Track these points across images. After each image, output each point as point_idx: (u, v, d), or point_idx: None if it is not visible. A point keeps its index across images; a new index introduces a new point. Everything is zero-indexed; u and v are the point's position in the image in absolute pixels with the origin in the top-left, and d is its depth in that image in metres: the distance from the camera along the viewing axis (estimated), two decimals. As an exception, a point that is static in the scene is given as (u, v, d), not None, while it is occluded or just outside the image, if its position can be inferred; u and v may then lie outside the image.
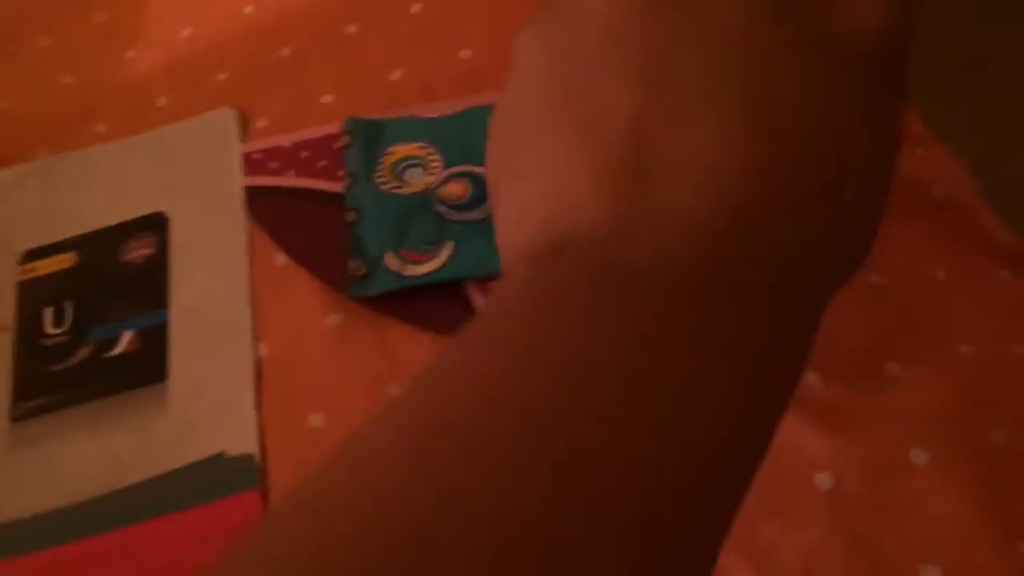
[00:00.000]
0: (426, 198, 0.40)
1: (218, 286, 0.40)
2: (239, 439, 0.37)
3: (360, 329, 0.39)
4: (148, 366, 0.40)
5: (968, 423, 0.34)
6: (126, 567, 0.34)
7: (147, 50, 0.51)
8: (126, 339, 0.41)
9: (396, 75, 0.47)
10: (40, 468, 0.38)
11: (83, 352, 0.41)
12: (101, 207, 0.45)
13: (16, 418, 0.40)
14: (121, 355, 0.41)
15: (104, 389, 0.40)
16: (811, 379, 0.36)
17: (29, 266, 0.44)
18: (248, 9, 0.50)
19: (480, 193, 0.40)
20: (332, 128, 0.44)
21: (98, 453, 0.38)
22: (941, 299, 0.37)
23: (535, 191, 0.20)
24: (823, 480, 0.33)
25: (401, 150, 0.42)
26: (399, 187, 0.41)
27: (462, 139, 0.42)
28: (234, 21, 0.51)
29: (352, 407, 0.38)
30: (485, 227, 0.38)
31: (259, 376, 0.38)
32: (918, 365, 0.35)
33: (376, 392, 0.38)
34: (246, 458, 0.36)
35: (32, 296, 0.43)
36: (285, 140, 0.43)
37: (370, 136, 0.43)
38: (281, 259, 0.42)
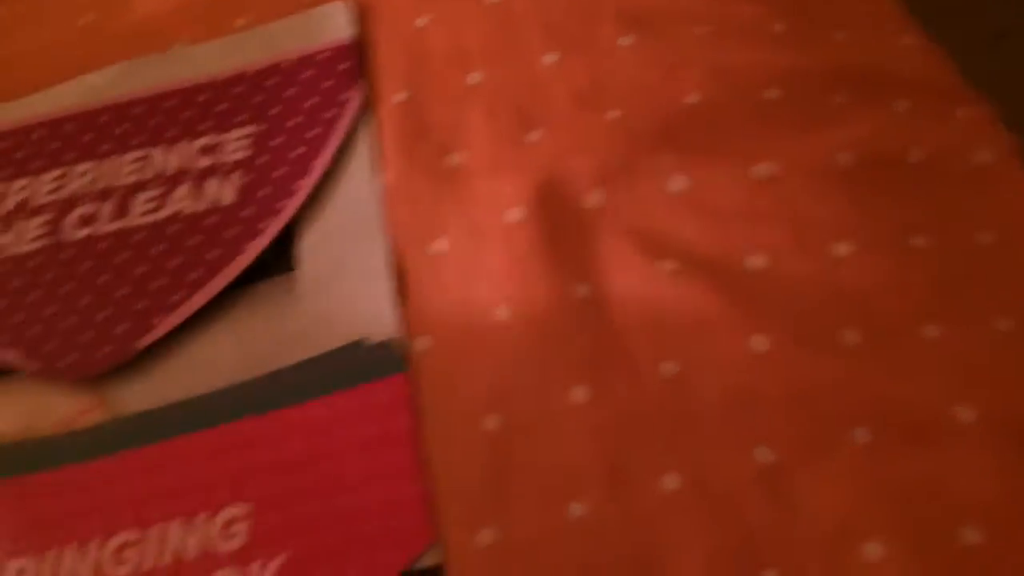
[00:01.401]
0: None
1: (343, 181, 0.41)
2: (378, 326, 0.37)
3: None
4: (275, 258, 0.40)
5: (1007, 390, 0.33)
6: (272, 451, 0.35)
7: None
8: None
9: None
10: (172, 360, 0.38)
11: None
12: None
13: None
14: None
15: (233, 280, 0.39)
16: (850, 336, 0.34)
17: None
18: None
19: None
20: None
21: (230, 344, 0.38)
22: (984, 265, 0.36)
23: None
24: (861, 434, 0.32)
25: None
26: None
27: None
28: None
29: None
30: None
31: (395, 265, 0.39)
32: (956, 331, 0.34)
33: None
34: (387, 344, 0.36)
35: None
36: None
37: None
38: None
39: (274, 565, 0.33)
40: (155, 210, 0.41)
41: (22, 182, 0.43)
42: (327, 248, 0.39)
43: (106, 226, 0.41)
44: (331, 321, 0.37)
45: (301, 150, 0.41)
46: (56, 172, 0.43)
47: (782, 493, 0.32)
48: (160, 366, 0.38)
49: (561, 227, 0.38)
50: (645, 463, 0.34)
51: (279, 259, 0.40)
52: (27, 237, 0.42)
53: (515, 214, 0.38)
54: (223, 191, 0.41)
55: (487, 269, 0.38)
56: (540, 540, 0.33)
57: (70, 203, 0.42)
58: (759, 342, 0.35)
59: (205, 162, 0.42)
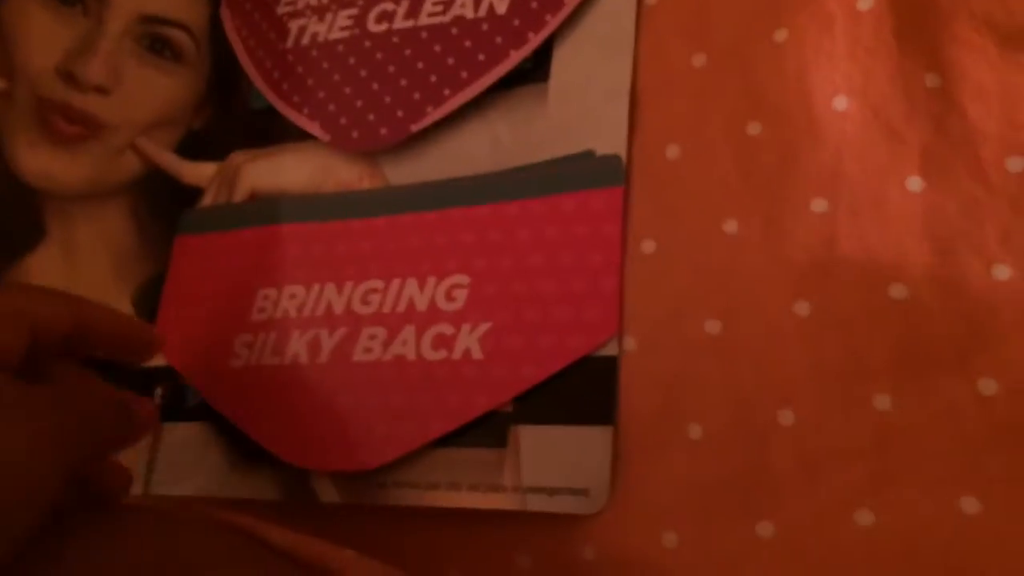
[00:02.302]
0: None
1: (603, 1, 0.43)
2: (608, 140, 0.40)
3: (726, 69, 0.40)
4: (534, 67, 0.43)
5: None
6: (497, 235, 0.40)
7: None
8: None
9: None
10: (432, 146, 0.44)
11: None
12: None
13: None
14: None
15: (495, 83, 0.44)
16: None
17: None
18: None
19: None
20: None
21: (483, 138, 0.43)
22: None
23: None
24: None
25: None
26: None
27: None
28: None
29: (709, 141, 0.39)
30: None
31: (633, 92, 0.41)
32: None
33: (734, 128, 0.38)
34: (613, 158, 0.40)
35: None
36: None
37: None
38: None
39: (481, 329, 0.38)
40: (441, 13, 0.45)
41: None
42: (578, 62, 0.42)
43: (400, 23, 0.46)
44: (571, 130, 0.41)
45: None
46: None
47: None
48: (425, 149, 0.44)
49: (914, 17, 0.37)
50: (976, 251, 0.34)
51: (536, 68, 0.43)
52: (336, 26, 0.48)
53: (867, 2, 0.38)
54: (498, 1, 0.44)
55: (829, 57, 0.38)
56: (858, 317, 0.34)
57: (373, 0, 0.47)
58: (1122, 140, 0.33)
59: None
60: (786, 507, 0.33)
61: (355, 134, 0.45)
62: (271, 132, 0.48)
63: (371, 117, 0.45)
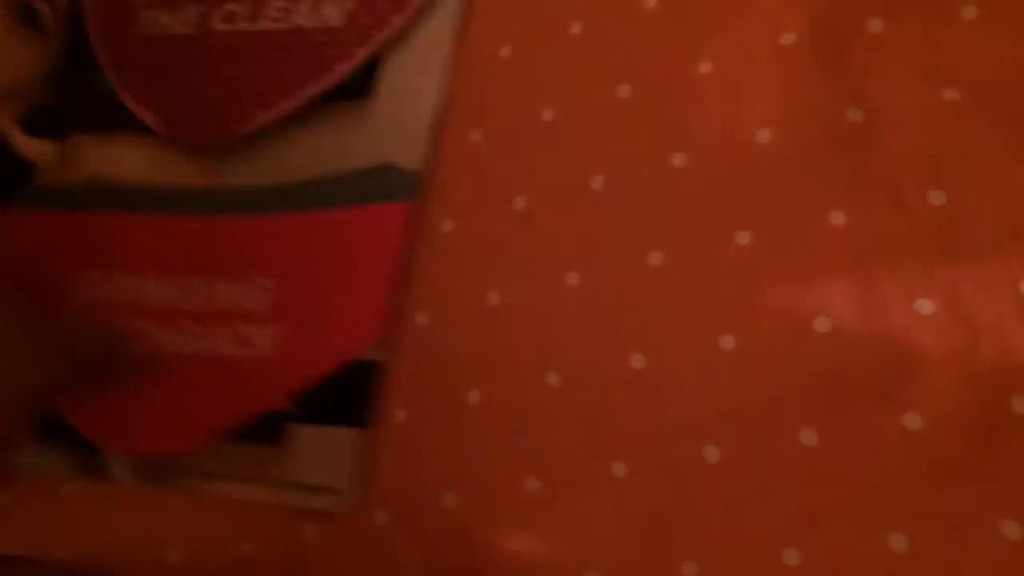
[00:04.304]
0: None
1: (428, 21, 0.45)
2: (414, 156, 0.42)
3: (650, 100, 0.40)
4: (360, 81, 0.44)
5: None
6: (300, 242, 0.42)
7: None
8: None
9: None
10: (262, 150, 0.45)
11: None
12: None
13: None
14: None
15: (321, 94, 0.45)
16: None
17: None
18: None
19: None
20: None
21: (307, 147, 0.44)
22: None
23: None
24: None
25: None
26: None
27: None
28: None
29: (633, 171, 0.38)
30: None
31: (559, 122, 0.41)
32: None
33: (658, 159, 0.37)
34: (410, 172, 0.42)
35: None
36: None
37: None
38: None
39: (276, 329, 0.40)
40: (281, 20, 0.46)
41: None
42: (400, 79, 0.44)
43: (243, 25, 0.47)
44: (385, 145, 0.43)
45: None
46: None
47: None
48: (256, 153, 0.45)
49: (836, 51, 0.37)
50: (899, 285, 0.33)
51: (363, 83, 0.44)
52: (183, 20, 0.48)
53: (789, 37, 0.38)
54: (334, 14, 0.46)
55: (753, 90, 0.38)
56: (782, 351, 0.34)
57: None
58: (1041, 177, 0.33)
59: None
60: (711, 546, 0.32)
61: (187, 131, 0.46)
62: (114, 118, 0.48)
63: (203, 116, 0.45)
